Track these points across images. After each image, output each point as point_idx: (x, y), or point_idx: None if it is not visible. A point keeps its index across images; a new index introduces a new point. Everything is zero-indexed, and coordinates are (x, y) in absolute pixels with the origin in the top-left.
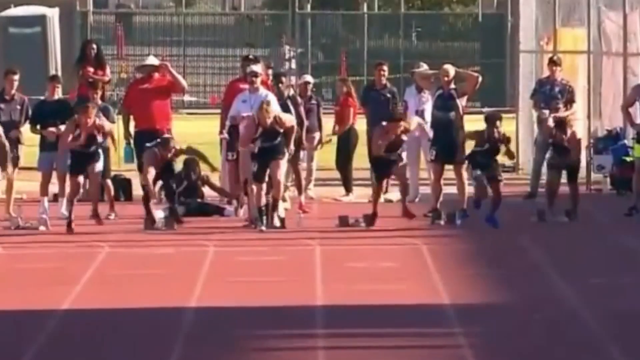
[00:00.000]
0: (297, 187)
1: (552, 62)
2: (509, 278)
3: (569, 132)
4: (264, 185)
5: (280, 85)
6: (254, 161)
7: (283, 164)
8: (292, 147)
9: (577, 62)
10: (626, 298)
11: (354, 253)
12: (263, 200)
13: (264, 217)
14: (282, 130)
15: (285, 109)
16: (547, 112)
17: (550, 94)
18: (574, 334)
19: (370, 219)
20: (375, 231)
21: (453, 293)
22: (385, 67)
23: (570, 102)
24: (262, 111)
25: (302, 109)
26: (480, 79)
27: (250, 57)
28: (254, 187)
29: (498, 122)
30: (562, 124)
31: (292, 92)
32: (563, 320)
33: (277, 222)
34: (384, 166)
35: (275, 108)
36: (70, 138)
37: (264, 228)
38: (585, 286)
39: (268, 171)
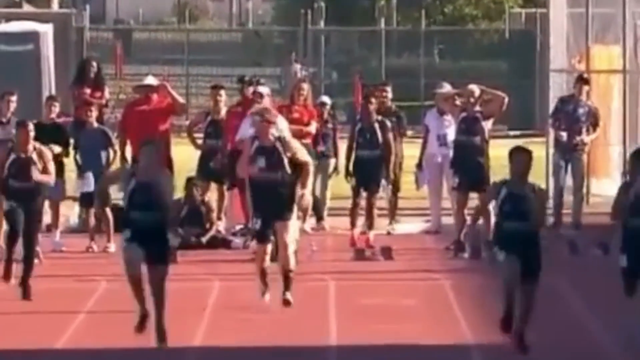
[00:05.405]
0: (369, 223)
1: (582, 80)
2: (540, 317)
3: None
4: (269, 246)
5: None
6: (255, 213)
7: (292, 225)
8: (308, 193)
9: (612, 82)
10: None
11: (371, 289)
12: (267, 262)
13: (268, 283)
14: (289, 157)
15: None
16: (564, 134)
17: (574, 115)
18: None
19: None
20: (393, 265)
21: (478, 333)
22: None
23: (594, 125)
24: (261, 119)
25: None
26: (507, 99)
27: (246, 78)
28: (257, 248)
29: None
30: None
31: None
32: None
33: (289, 297)
34: None
35: (286, 134)
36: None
37: (267, 297)
38: (627, 333)
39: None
